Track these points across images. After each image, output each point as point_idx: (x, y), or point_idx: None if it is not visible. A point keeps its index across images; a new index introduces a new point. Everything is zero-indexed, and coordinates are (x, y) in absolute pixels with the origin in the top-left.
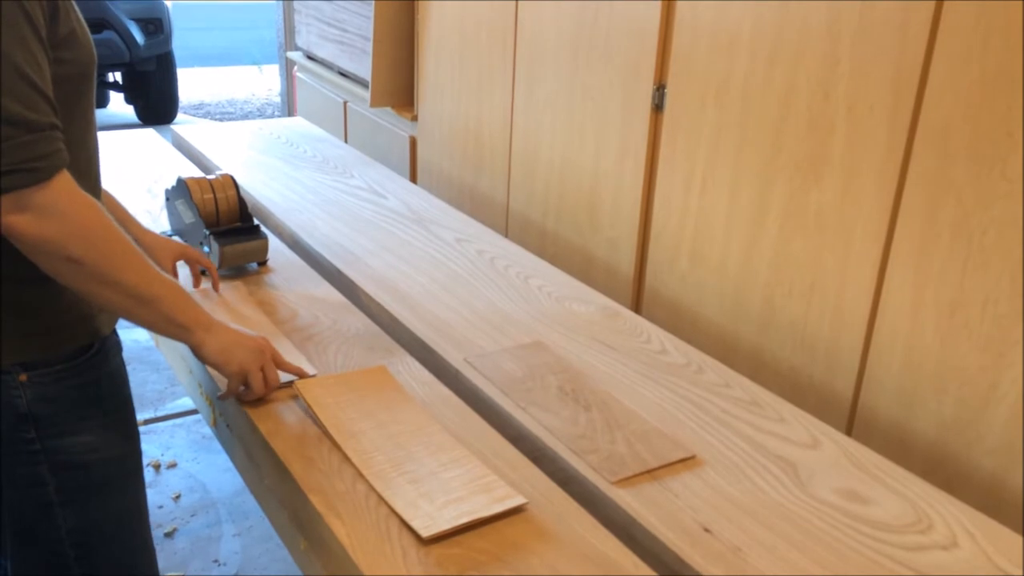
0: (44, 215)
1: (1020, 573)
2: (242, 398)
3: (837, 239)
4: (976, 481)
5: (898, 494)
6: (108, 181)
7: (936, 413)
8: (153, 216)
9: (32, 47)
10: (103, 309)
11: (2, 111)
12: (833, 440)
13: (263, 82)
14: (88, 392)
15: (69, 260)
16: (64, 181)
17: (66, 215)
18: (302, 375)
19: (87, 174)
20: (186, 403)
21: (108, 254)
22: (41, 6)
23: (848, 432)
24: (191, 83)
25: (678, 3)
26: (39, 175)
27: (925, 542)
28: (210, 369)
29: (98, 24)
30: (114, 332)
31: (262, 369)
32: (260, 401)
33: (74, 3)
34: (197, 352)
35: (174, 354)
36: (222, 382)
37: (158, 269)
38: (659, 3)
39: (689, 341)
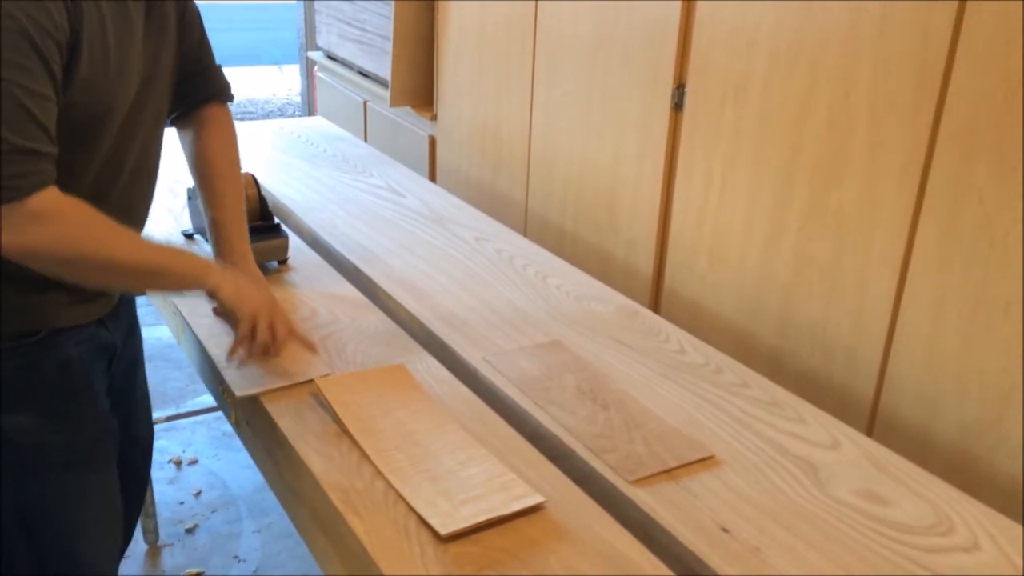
0: (25, 229)
1: None
2: (249, 352)
3: (857, 240)
4: (998, 484)
5: (919, 496)
6: None
7: (958, 415)
8: (175, 215)
9: (36, 75)
10: (99, 294)
11: None
12: (853, 441)
13: (283, 82)
14: (27, 375)
15: (63, 262)
16: (41, 197)
17: (49, 226)
18: (309, 346)
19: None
20: (207, 400)
21: (98, 247)
22: (59, 46)
23: (868, 434)
24: None
25: (698, 3)
26: (13, 193)
27: (946, 544)
28: (217, 359)
29: None
30: (86, 326)
31: (272, 323)
32: (275, 390)
33: (113, 44)
34: (215, 295)
35: (195, 352)
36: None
37: (148, 240)
38: (679, 3)
39: (707, 341)
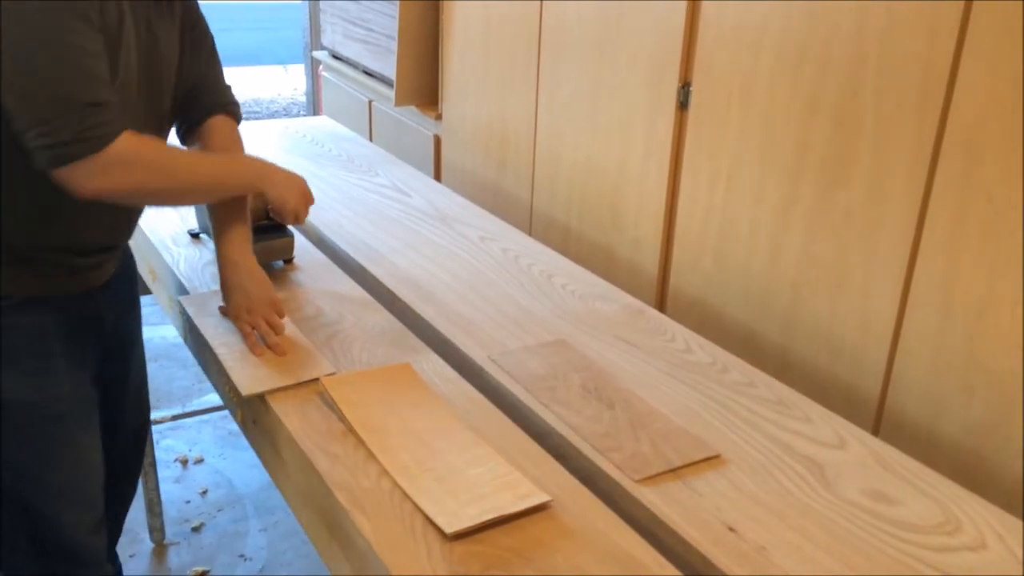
0: (113, 174)
1: None
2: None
3: (864, 238)
4: (1005, 484)
5: (926, 495)
6: None
7: (964, 415)
8: (182, 214)
9: (89, 36)
10: (90, 268)
11: (63, 91)
12: (860, 440)
13: (289, 81)
14: (6, 334)
15: (155, 194)
16: (123, 141)
17: (134, 166)
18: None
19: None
20: (213, 399)
21: (182, 175)
22: (98, 14)
23: (875, 433)
24: None
25: (703, 2)
26: (96, 144)
27: (953, 543)
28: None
29: None
30: (72, 297)
31: (308, 203)
32: (281, 389)
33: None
34: (264, 195)
35: (201, 351)
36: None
37: (207, 155)
38: (684, 2)
39: (713, 340)
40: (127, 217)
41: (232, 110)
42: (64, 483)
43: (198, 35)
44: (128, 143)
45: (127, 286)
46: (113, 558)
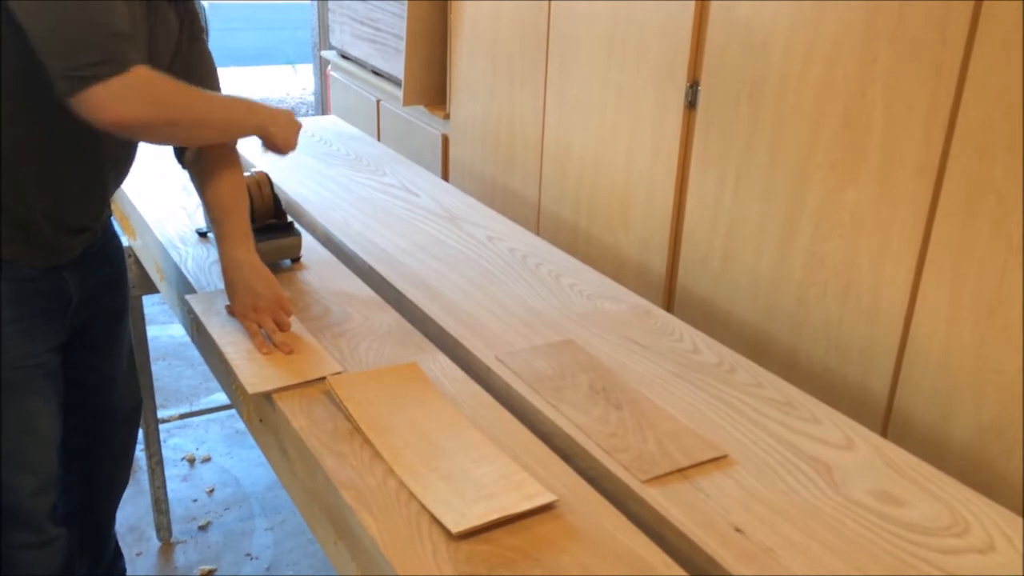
0: (133, 100)
1: None
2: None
3: (873, 238)
4: (1014, 486)
5: (934, 496)
6: (146, 178)
7: (973, 416)
8: (189, 213)
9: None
10: (56, 243)
11: (89, 18)
12: (868, 441)
13: (297, 81)
14: None
15: (169, 123)
16: (142, 70)
17: (151, 95)
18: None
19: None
20: (220, 398)
21: (194, 107)
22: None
23: (883, 434)
24: (226, 82)
25: (712, 1)
26: (117, 67)
27: (961, 545)
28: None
29: None
30: (35, 269)
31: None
32: (287, 387)
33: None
34: (266, 131)
35: (208, 350)
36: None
37: (220, 94)
38: (693, 1)
39: (721, 341)
40: (98, 198)
41: None
42: (11, 448)
43: (197, 45)
44: (146, 73)
45: (103, 267)
46: (102, 543)
